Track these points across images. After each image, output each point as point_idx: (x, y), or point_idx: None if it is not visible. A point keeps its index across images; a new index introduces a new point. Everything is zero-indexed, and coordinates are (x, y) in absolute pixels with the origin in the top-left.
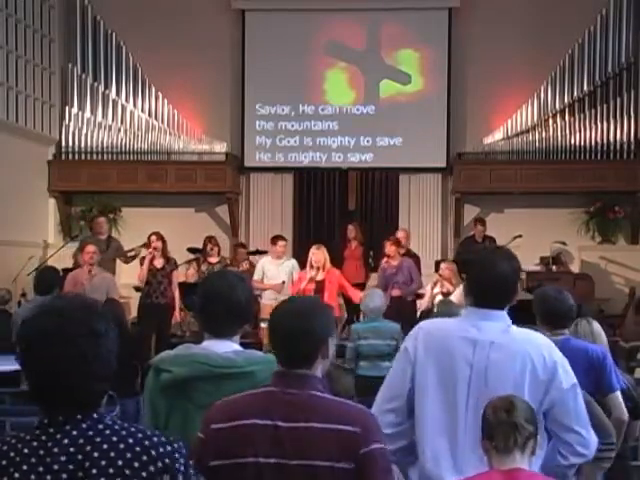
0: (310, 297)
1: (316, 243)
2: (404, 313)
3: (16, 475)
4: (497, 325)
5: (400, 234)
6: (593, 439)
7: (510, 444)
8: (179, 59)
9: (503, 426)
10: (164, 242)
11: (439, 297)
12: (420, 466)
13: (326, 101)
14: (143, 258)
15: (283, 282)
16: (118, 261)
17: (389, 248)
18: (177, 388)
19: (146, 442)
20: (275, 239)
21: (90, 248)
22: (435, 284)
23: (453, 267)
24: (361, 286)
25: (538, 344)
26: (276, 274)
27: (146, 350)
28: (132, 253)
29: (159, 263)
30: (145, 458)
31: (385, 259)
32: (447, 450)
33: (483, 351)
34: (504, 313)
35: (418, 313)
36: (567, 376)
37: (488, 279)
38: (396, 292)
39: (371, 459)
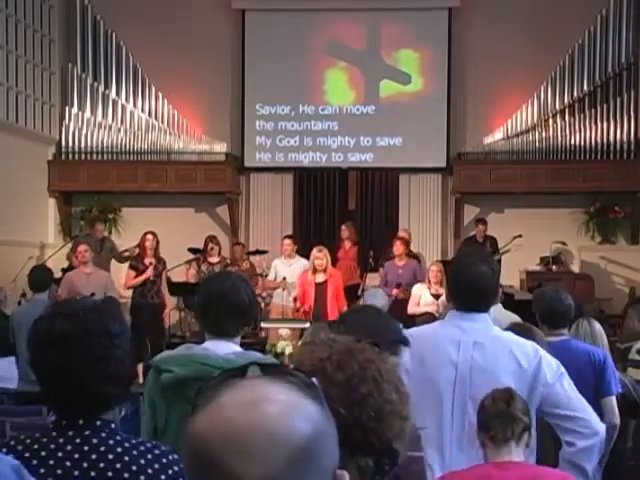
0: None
1: (316, 243)
2: (404, 314)
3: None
4: (479, 326)
5: (403, 234)
6: (596, 419)
7: (508, 434)
8: (179, 59)
9: (502, 417)
10: (157, 242)
11: (426, 299)
12: None
13: (326, 101)
14: (136, 259)
15: (284, 278)
16: (113, 262)
17: (398, 248)
18: (177, 388)
19: (164, 459)
20: (283, 238)
21: (81, 247)
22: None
23: (441, 268)
24: (356, 287)
25: (521, 342)
26: (288, 274)
27: (141, 350)
28: (127, 254)
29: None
30: None
31: (394, 259)
32: (434, 449)
33: (467, 351)
34: (486, 315)
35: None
36: (551, 369)
37: (466, 282)
38: (396, 292)
39: None
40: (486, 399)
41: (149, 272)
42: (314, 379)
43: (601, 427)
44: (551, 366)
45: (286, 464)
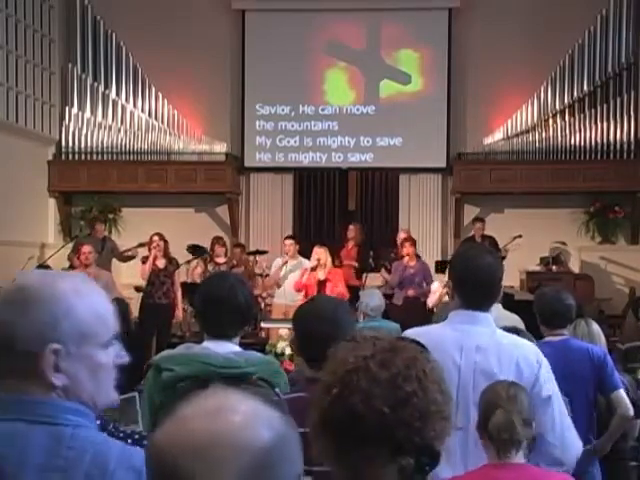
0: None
1: (316, 243)
2: (417, 313)
3: None
4: (482, 329)
5: (402, 235)
6: (575, 445)
7: (511, 450)
8: (179, 59)
9: (507, 435)
10: (166, 242)
11: (446, 298)
12: None
13: (326, 101)
14: (146, 257)
15: (286, 261)
16: (114, 262)
17: (408, 249)
18: (177, 387)
19: (145, 442)
20: (285, 238)
21: (86, 248)
22: (445, 285)
23: None
24: (353, 288)
25: (524, 347)
26: (290, 274)
27: (147, 349)
28: (129, 253)
29: (161, 263)
30: None
31: (405, 259)
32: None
33: (470, 355)
34: (489, 316)
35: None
36: (547, 383)
37: (473, 274)
38: (412, 292)
39: None
40: (492, 399)
41: (151, 258)
42: (276, 389)
43: (570, 459)
44: (549, 379)
45: (249, 470)
